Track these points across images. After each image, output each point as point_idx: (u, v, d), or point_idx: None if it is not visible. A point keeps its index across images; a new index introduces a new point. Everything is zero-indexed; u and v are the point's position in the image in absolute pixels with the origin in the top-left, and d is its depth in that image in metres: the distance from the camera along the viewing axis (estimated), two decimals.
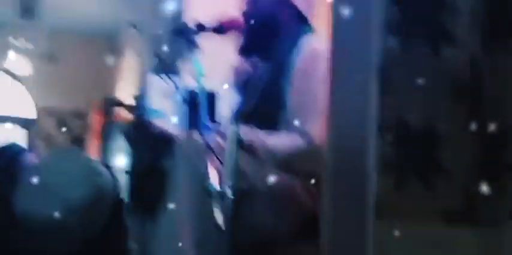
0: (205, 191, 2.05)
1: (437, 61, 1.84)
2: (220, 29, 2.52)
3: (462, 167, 1.79)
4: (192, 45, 2.39)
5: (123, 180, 2.87)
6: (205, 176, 2.12)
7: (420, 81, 1.82)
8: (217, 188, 2.04)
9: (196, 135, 2.31)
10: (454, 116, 1.83)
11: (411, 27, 1.83)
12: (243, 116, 2.47)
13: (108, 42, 8.49)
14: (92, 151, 8.07)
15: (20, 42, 8.00)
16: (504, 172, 1.69)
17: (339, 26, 1.99)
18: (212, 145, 2.19)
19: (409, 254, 1.73)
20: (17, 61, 8.25)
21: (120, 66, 8.09)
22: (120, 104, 6.74)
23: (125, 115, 5.04)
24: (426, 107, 1.82)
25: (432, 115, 1.81)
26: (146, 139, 2.56)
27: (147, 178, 2.50)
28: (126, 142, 2.72)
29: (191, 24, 2.51)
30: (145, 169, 2.54)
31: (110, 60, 8.42)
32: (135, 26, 7.15)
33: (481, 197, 1.75)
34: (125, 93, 7.56)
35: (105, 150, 6.91)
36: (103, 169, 1.68)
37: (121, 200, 1.67)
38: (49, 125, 8.71)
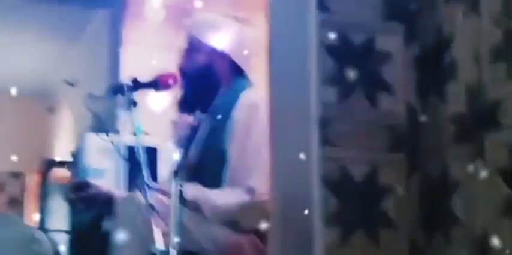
0: (150, 253, 1.99)
1: (376, 111, 1.85)
2: (157, 84, 2.50)
3: (407, 220, 1.79)
4: (129, 102, 2.36)
5: (63, 242, 2.80)
6: (148, 237, 2.07)
7: (360, 131, 1.83)
8: (162, 248, 1.98)
9: (137, 194, 2.27)
10: (396, 166, 1.83)
11: (347, 78, 1.84)
12: (185, 172, 2.44)
13: (44, 100, 8.40)
14: (30, 211, 7.91)
15: None
16: (449, 223, 1.69)
17: (276, 79, 2.00)
18: (155, 204, 2.15)
19: None
20: None
21: (57, 124, 8.00)
22: (57, 164, 6.65)
23: (62, 175, 4.95)
24: (368, 158, 1.82)
25: (374, 166, 1.81)
26: (85, 199, 2.51)
27: (87, 240, 2.44)
28: (66, 202, 2.66)
29: (127, 81, 2.48)
30: (85, 230, 2.49)
31: (46, 118, 8.33)
32: (71, 83, 7.10)
33: (428, 249, 1.75)
34: (63, 151, 7.46)
35: (43, 211, 6.78)
36: (41, 235, 1.63)
37: None
38: None
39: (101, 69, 5.65)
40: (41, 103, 8.29)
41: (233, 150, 2.39)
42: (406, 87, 1.88)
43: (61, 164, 6.68)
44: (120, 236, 2.25)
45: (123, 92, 2.41)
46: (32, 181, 7.78)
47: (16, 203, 8.51)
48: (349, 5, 1.86)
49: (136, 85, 2.45)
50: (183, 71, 2.58)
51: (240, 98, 2.47)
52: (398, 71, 1.88)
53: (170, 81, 2.54)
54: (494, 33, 1.63)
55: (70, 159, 3.28)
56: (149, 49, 4.54)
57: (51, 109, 8.16)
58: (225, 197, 2.30)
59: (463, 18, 1.74)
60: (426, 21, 1.88)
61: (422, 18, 1.89)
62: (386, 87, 1.86)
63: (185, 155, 2.52)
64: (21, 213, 8.32)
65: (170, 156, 2.97)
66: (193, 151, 2.51)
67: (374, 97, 1.85)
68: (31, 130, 8.20)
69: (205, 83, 2.54)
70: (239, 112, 2.43)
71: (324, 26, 1.83)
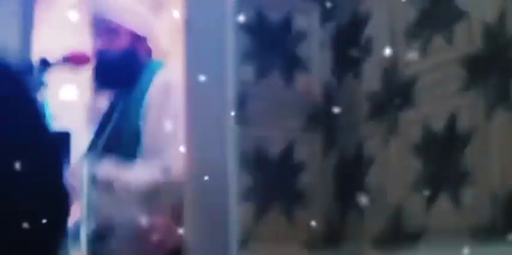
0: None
1: (292, 90, 1.86)
2: (68, 61, 2.46)
3: (322, 196, 1.81)
4: (39, 82, 2.30)
5: None
6: None
7: (276, 110, 1.84)
8: (71, 227, 1.95)
9: None
10: (312, 144, 1.85)
11: (264, 56, 1.85)
12: (98, 151, 2.41)
13: None
14: None
15: None
16: (362, 196, 1.71)
17: (192, 58, 1.99)
18: (68, 182, 2.11)
19: None
20: None
21: None
22: None
23: None
24: (284, 136, 1.83)
25: (290, 144, 1.82)
26: None
27: None
28: None
29: (36, 61, 2.43)
30: None
31: None
32: None
33: (342, 222, 1.77)
34: None
35: None
36: None
37: None
38: None
39: (13, 50, 5.52)
40: None
41: (147, 128, 2.37)
42: (322, 66, 1.89)
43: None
44: None
45: (32, 73, 2.35)
46: None
47: None
48: None
49: (44, 64, 2.39)
50: (96, 51, 2.54)
51: (155, 78, 2.45)
52: (315, 50, 1.89)
53: (80, 60, 2.49)
54: (410, 12, 1.65)
55: None
56: (63, 31, 4.45)
57: None
58: (138, 175, 2.27)
59: None
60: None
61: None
62: (302, 66, 1.87)
63: (99, 134, 2.49)
64: None
65: (84, 137, 2.93)
66: (108, 129, 2.48)
67: (290, 76, 1.86)
68: None
69: (117, 63, 2.50)
70: (154, 91, 2.41)
71: (240, 4, 1.83)
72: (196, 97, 1.93)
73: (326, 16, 1.91)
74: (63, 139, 3.27)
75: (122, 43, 2.49)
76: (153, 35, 2.54)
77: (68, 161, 3.07)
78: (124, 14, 2.52)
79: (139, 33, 2.51)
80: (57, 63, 2.45)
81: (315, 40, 1.90)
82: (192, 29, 1.98)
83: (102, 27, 2.52)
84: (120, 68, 2.49)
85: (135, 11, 2.53)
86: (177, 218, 2.18)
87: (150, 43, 2.54)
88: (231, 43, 1.82)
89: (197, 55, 1.94)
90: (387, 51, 1.71)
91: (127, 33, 2.50)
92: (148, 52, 2.53)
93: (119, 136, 2.41)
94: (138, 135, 2.36)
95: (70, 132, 3.35)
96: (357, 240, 1.72)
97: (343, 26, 1.88)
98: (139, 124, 2.37)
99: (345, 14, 1.88)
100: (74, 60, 2.45)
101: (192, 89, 1.94)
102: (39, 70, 2.37)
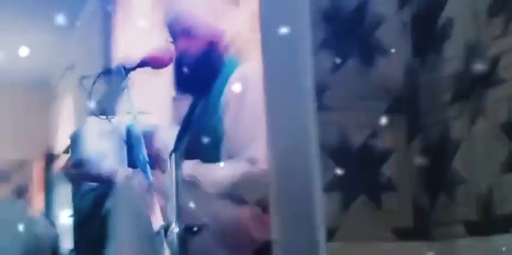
0: (150, 232, 1.97)
1: (372, 75, 1.81)
2: (148, 63, 2.48)
3: (409, 183, 1.76)
4: (123, 85, 2.34)
5: (67, 228, 2.79)
6: (148, 217, 2.04)
7: (358, 96, 1.80)
8: (162, 227, 1.96)
9: (136, 175, 2.24)
10: (396, 129, 1.80)
11: (342, 42, 1.81)
12: (183, 150, 2.41)
13: (44, 88, 8.38)
14: (36, 202, 7.91)
15: None
16: (453, 186, 1.66)
17: (269, 48, 1.97)
18: (154, 184, 2.13)
19: None
20: None
21: (60, 112, 7.99)
22: (59, 157, 6.64)
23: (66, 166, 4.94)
24: (366, 121, 1.79)
25: (373, 130, 1.78)
26: (85, 176, 2.48)
27: (90, 220, 2.42)
28: (66, 180, 2.65)
29: (118, 65, 2.46)
30: (88, 210, 2.47)
31: (48, 106, 8.31)
32: (69, 68, 7.09)
33: (432, 210, 1.72)
34: (66, 139, 7.45)
35: (48, 201, 6.80)
36: (42, 219, 1.60)
37: (58, 249, 1.58)
38: None
39: (98, 54, 5.64)
40: (42, 91, 8.27)
41: (227, 123, 2.35)
42: (402, 48, 1.84)
43: (64, 153, 6.70)
44: (121, 215, 2.23)
45: (116, 75, 2.39)
46: (38, 170, 7.77)
47: (22, 192, 8.51)
48: None
49: (125, 69, 2.43)
50: (178, 54, 2.53)
51: (234, 71, 2.43)
52: (394, 33, 1.84)
53: (160, 60, 2.51)
54: None
55: (69, 143, 3.27)
56: (143, 32, 4.50)
57: (53, 97, 8.15)
58: (224, 170, 2.26)
59: None
60: None
61: None
62: (382, 50, 1.83)
63: (183, 134, 2.50)
64: (27, 203, 8.32)
65: (169, 136, 2.95)
66: (191, 129, 2.48)
67: (370, 60, 1.81)
68: (34, 119, 8.18)
69: (198, 65, 2.49)
70: (231, 86, 2.39)
71: None
72: (274, 88, 1.91)
73: None
74: (148, 137, 3.30)
75: (199, 44, 2.49)
76: (230, 31, 2.53)
77: (152, 158, 3.10)
78: (200, 12, 2.51)
79: (216, 30, 2.50)
80: (135, 67, 2.48)
81: (394, 23, 1.85)
82: (268, 20, 1.96)
83: (178, 29, 2.52)
84: (200, 69, 2.48)
85: (210, 8, 2.52)
86: (266, 210, 2.17)
87: (228, 40, 2.53)
88: (308, 32, 1.79)
89: (274, 47, 1.92)
90: (469, 29, 1.65)
91: (204, 33, 2.49)
92: (226, 49, 2.52)
93: (200, 136, 2.41)
94: (219, 133, 2.35)
95: (155, 130, 3.39)
96: (447, 226, 1.66)
97: (422, 6, 1.83)
98: (220, 121, 2.36)
99: None
100: (152, 62, 2.48)
101: (270, 78, 1.92)
102: (119, 75, 2.41)
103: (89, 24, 6.12)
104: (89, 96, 2.55)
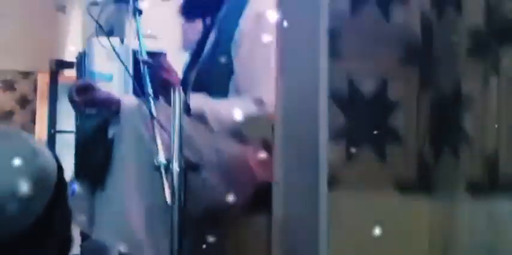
0: (152, 164, 1.96)
1: (389, 23, 1.77)
2: None
3: (415, 136, 1.74)
4: (134, 10, 2.27)
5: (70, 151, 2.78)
6: (151, 148, 2.03)
7: (371, 44, 1.76)
8: (164, 161, 1.94)
9: (141, 103, 2.21)
10: (407, 80, 1.77)
11: None
12: (190, 81, 2.38)
13: None
14: (41, 112, 7.92)
15: None
16: (458, 140, 1.64)
17: None
18: (158, 114, 2.10)
19: (362, 224, 1.68)
20: None
21: (67, 25, 7.91)
22: (67, 65, 6.61)
23: (72, 76, 4.90)
24: (378, 72, 1.76)
25: (384, 79, 1.75)
26: (89, 102, 2.45)
27: (92, 147, 2.41)
28: (70, 104, 2.62)
29: None
30: (90, 136, 2.45)
31: (56, 18, 8.22)
32: None
33: (436, 166, 1.71)
34: (72, 52, 7.40)
35: (52, 112, 6.78)
36: (45, 150, 1.59)
37: (63, 181, 1.58)
38: None
39: None
40: (52, 1, 8.16)
41: (239, 59, 2.32)
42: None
43: (70, 65, 6.65)
44: (124, 145, 2.22)
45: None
46: (43, 81, 7.74)
47: (27, 102, 8.52)
48: None
49: None
50: None
51: (248, 6, 2.38)
52: None
53: None
54: None
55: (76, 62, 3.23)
56: None
57: (62, 9, 8.04)
58: (231, 107, 2.24)
59: None
60: None
61: None
62: None
63: (192, 64, 2.46)
64: (32, 113, 8.34)
65: (179, 60, 2.91)
66: (198, 59, 2.45)
67: (387, 7, 1.77)
68: (41, 29, 8.11)
69: None
70: (246, 20, 2.34)
71: None
72: (288, 29, 1.88)
73: None
74: (158, 59, 3.25)
75: None
76: None
77: (161, 86, 3.06)
78: None
79: None
80: None
81: None
82: None
83: None
84: None
85: None
86: (269, 151, 2.16)
87: None
88: None
89: None
90: None
91: None
92: None
93: (210, 69, 2.38)
94: (229, 68, 2.32)
95: (165, 52, 3.35)
96: (450, 185, 1.66)
97: None
98: (231, 56, 2.33)
99: None
100: None
101: (284, 18, 1.88)
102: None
103: None
104: (97, 22, 2.50)
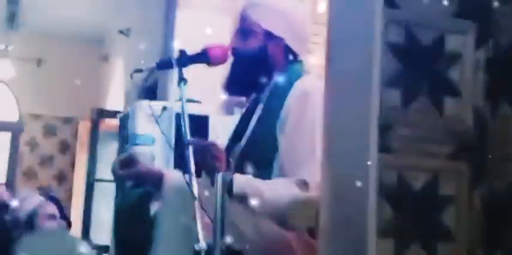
0: (193, 249, 1.91)
1: (440, 116, 1.73)
2: (207, 58, 2.36)
3: (467, 234, 1.69)
4: (179, 78, 2.24)
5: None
6: (192, 230, 1.98)
7: (423, 137, 1.72)
8: (204, 244, 1.90)
9: (183, 178, 2.16)
10: (459, 176, 1.72)
11: (412, 79, 1.72)
12: (233, 160, 2.34)
13: (98, 48, 8.37)
14: (80, 158, 7.96)
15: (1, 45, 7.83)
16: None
17: (335, 74, 1.89)
18: (199, 193, 2.06)
19: None
20: None
21: (110, 73, 7.98)
22: (108, 113, 6.64)
23: (113, 124, 4.90)
24: (427, 165, 1.72)
25: (435, 175, 1.70)
26: (133, 176, 2.41)
27: (134, 223, 2.38)
28: (114, 180, 2.58)
29: (176, 54, 2.35)
30: (131, 212, 2.42)
31: (99, 66, 8.31)
32: (125, 33, 7.05)
33: None
34: (114, 100, 7.45)
35: (92, 161, 6.81)
36: (87, 248, 1.57)
37: None
38: (35, 131, 8.58)
39: (156, 23, 5.58)
40: (95, 51, 8.26)
41: (285, 137, 2.28)
42: (475, 90, 1.75)
43: (111, 114, 6.69)
44: (165, 224, 2.18)
45: (172, 67, 2.28)
46: (83, 128, 7.80)
47: (67, 147, 8.57)
48: (417, 1, 1.73)
49: (185, 58, 2.31)
50: (234, 51, 2.45)
51: (295, 85, 2.35)
52: (468, 73, 1.75)
53: (220, 55, 2.40)
54: None
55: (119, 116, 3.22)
56: (205, 12, 4.43)
57: (104, 58, 8.13)
58: (274, 189, 2.19)
59: None
60: (501, 19, 1.74)
61: (497, 16, 1.75)
62: (453, 91, 1.74)
63: (235, 141, 2.43)
64: (72, 158, 8.38)
65: (222, 125, 2.88)
66: (244, 136, 2.41)
67: (440, 101, 1.73)
68: (84, 76, 8.18)
69: (257, 66, 2.42)
70: (293, 99, 2.31)
71: (389, 23, 1.70)
72: (337, 119, 1.84)
73: (482, 36, 1.76)
74: (202, 123, 3.24)
75: (262, 44, 2.41)
76: (298, 38, 2.45)
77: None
78: (270, 13, 2.43)
79: (284, 35, 2.43)
80: (196, 56, 2.36)
81: (469, 62, 1.76)
82: (337, 41, 1.88)
83: (246, 27, 2.45)
84: (258, 70, 2.41)
85: (282, 12, 2.44)
86: (314, 236, 2.11)
87: (293, 47, 2.45)
88: (378, 65, 1.71)
89: (341, 70, 1.84)
90: None
91: (269, 35, 2.42)
92: (291, 55, 2.44)
93: (255, 146, 2.34)
94: (275, 145, 2.28)
95: (209, 116, 3.33)
96: None
97: (500, 47, 1.74)
98: (277, 134, 2.29)
99: (504, 35, 1.73)
100: (214, 54, 2.35)
101: (333, 110, 1.85)
102: (179, 64, 2.30)
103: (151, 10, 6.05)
104: (140, 90, 2.48)
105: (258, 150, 2.32)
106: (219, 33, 4.13)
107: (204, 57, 2.35)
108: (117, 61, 7.67)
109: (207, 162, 2.17)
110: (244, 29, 2.46)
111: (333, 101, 1.86)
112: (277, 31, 2.43)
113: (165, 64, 2.32)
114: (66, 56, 8.28)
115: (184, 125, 2.17)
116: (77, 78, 7.96)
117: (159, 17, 5.40)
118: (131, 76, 2.50)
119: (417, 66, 1.73)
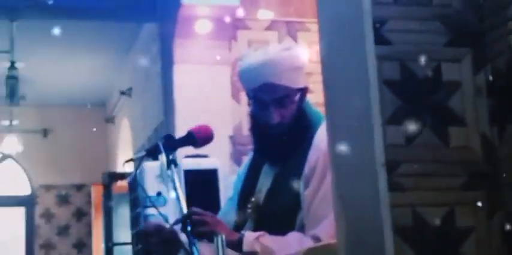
0: None
1: (447, 148, 1.69)
2: (194, 140, 2.33)
3: None
4: (169, 162, 2.22)
5: None
6: None
7: (432, 172, 1.67)
8: None
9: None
10: (475, 206, 1.67)
11: (413, 114, 1.68)
12: (253, 219, 2.30)
13: (100, 110, 8.39)
14: (97, 224, 7.91)
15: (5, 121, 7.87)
16: None
17: (335, 121, 1.86)
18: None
19: None
20: (6, 140, 8.10)
21: (117, 135, 7.99)
22: (119, 176, 6.61)
23: (125, 186, 4.88)
24: (442, 199, 1.67)
25: (450, 208, 1.66)
26: (162, 245, 2.36)
27: None
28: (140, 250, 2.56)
29: (160, 144, 2.31)
30: None
31: (105, 129, 8.31)
32: (124, 92, 7.07)
33: None
34: (121, 160, 7.43)
35: (108, 225, 6.76)
36: None
37: None
38: (49, 201, 8.55)
39: (155, 80, 5.60)
40: (99, 114, 8.28)
41: (309, 194, 2.22)
42: (479, 118, 1.71)
43: (122, 176, 6.66)
44: None
45: (161, 153, 2.25)
46: (96, 193, 7.77)
47: (82, 214, 8.53)
48: (409, 34, 1.70)
49: (172, 143, 2.29)
50: (279, 125, 2.37)
51: (316, 137, 2.30)
52: (469, 101, 1.72)
53: (205, 136, 2.36)
54: None
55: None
56: (201, 65, 4.44)
57: (109, 120, 8.14)
58: (288, 246, 2.14)
59: None
60: (495, 43, 1.71)
61: (490, 40, 1.72)
62: (457, 120, 1.70)
63: (246, 195, 2.39)
64: (88, 225, 8.33)
65: (231, 178, 2.85)
66: (258, 192, 2.37)
67: (444, 132, 1.69)
68: (92, 141, 8.19)
69: (299, 126, 2.36)
70: (315, 157, 2.26)
71: (383, 60, 1.67)
72: (342, 161, 1.80)
73: (479, 62, 1.73)
74: (211, 176, 3.21)
75: (294, 104, 2.36)
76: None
77: (218, 202, 3.02)
78: (284, 70, 2.36)
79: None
80: (183, 140, 2.34)
81: (469, 89, 1.72)
82: (333, 87, 1.85)
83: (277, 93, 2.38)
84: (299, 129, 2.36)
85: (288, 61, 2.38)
86: None
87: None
88: (376, 103, 1.67)
89: (340, 117, 1.81)
90: None
91: (294, 91, 2.38)
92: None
93: (276, 203, 2.29)
94: (297, 202, 2.23)
95: (218, 169, 3.30)
96: None
97: (499, 71, 1.70)
98: (300, 190, 2.24)
99: (500, 58, 1.70)
100: (200, 135, 2.32)
101: (338, 153, 1.81)
102: (166, 150, 2.28)
103: (146, 51, 6.09)
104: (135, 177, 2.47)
105: (279, 207, 2.27)
106: (217, 83, 4.12)
107: (190, 140, 2.33)
108: (122, 121, 7.68)
109: (200, 231, 2.15)
110: (278, 97, 2.36)
111: (336, 143, 1.83)
112: (300, 82, 2.39)
113: (153, 151, 2.29)
114: (71, 123, 8.30)
115: (180, 202, 2.16)
116: (84, 143, 7.97)
117: (157, 74, 5.42)
118: (123, 165, 2.52)
119: (416, 99, 1.69)
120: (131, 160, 2.43)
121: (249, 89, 2.40)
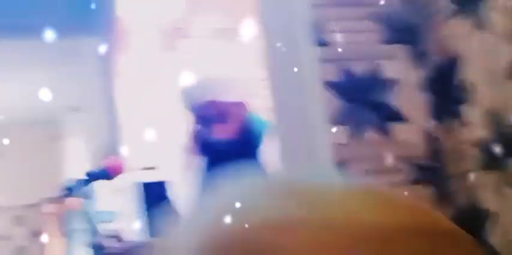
0: None
1: (392, 144, 1.72)
2: (107, 175, 2.55)
3: None
4: (87, 194, 2.38)
5: None
6: None
7: (378, 169, 1.71)
8: None
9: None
10: (422, 199, 1.71)
11: (356, 113, 1.71)
12: None
13: (48, 128, 8.32)
14: (53, 242, 7.82)
15: None
16: None
17: (281, 114, 1.88)
18: None
19: None
20: None
21: (65, 151, 7.93)
22: (69, 194, 6.57)
23: (78, 202, 4.86)
24: None
25: None
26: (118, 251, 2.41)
27: None
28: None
29: (83, 176, 2.52)
30: None
31: (52, 146, 8.24)
32: (73, 109, 7.03)
33: None
34: (74, 176, 7.37)
35: (67, 240, 6.70)
36: None
37: None
38: (4, 224, 8.45)
39: (99, 96, 5.58)
40: (46, 131, 8.20)
41: None
42: (420, 113, 1.75)
43: (71, 192, 6.62)
44: None
45: (81, 187, 2.46)
46: (50, 212, 7.69)
47: (38, 235, 8.44)
48: (348, 35, 1.73)
49: (91, 177, 2.52)
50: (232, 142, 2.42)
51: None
52: (410, 96, 1.75)
53: (118, 169, 2.60)
54: (508, 50, 1.50)
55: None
56: (141, 76, 4.43)
57: (56, 137, 8.07)
58: None
59: (470, 36, 1.61)
60: (430, 39, 1.75)
61: (425, 36, 1.76)
62: (398, 116, 1.73)
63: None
64: (42, 246, 8.24)
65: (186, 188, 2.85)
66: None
67: (387, 128, 1.72)
68: (40, 159, 8.11)
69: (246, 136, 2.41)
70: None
71: (323, 62, 1.70)
72: (291, 165, 1.82)
73: (416, 58, 1.76)
74: (161, 188, 3.20)
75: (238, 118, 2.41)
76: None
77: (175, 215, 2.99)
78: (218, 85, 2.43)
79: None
80: (99, 174, 2.54)
81: (408, 85, 1.75)
82: (278, 90, 1.87)
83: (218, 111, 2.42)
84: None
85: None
86: None
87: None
88: (320, 105, 1.70)
89: (287, 119, 1.84)
90: (489, 93, 1.56)
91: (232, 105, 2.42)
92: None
93: None
94: None
95: (167, 182, 3.29)
96: None
97: (436, 65, 1.74)
98: None
99: (436, 53, 1.74)
100: (112, 169, 2.57)
101: (285, 155, 1.83)
102: (85, 184, 2.48)
103: (88, 66, 6.07)
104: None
105: None
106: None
107: (104, 175, 2.55)
108: (71, 138, 7.63)
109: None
110: (217, 114, 2.44)
111: (284, 144, 1.85)
112: (233, 95, 2.44)
113: (72, 188, 2.49)
114: (18, 143, 8.21)
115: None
116: (34, 163, 7.89)
117: (101, 88, 5.41)
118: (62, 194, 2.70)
119: (358, 99, 1.72)
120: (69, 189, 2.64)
121: (192, 107, 2.46)
